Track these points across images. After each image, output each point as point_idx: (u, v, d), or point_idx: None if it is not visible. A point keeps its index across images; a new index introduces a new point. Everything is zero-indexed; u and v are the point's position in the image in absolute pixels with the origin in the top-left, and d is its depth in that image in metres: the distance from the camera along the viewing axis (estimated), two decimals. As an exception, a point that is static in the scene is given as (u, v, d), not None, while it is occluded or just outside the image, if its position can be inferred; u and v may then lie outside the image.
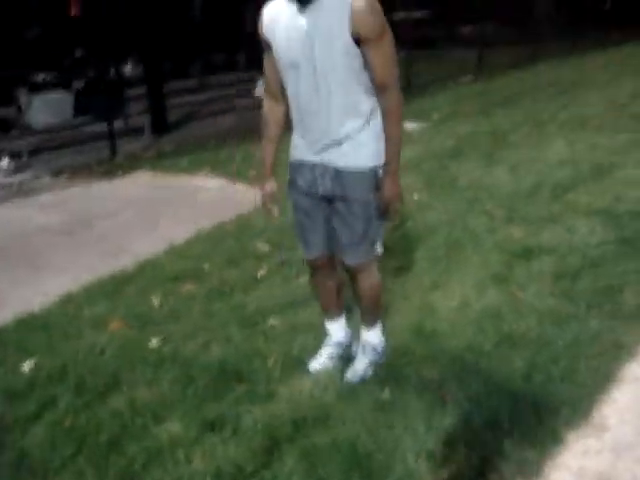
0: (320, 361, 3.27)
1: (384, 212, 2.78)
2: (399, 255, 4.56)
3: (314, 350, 3.34)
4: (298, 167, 2.86)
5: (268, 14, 2.66)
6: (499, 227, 5.13)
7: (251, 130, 9.40)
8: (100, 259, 4.85)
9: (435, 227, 5.15)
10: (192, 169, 7.40)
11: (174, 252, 4.86)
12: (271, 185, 3.04)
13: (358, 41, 2.47)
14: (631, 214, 5.28)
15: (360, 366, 3.19)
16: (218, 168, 7.36)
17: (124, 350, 3.49)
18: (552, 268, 4.29)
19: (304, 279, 4.23)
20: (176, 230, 5.36)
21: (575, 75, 14.97)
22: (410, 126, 9.24)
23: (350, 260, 2.89)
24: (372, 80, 2.59)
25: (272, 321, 3.74)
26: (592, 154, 7.36)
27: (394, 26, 2.64)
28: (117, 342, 3.57)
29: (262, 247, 4.88)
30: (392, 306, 3.75)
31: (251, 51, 16.10)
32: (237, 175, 7.01)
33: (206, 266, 4.56)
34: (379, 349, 3.25)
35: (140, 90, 10.29)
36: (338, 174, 2.72)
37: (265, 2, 2.70)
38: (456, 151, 7.72)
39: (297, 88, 2.65)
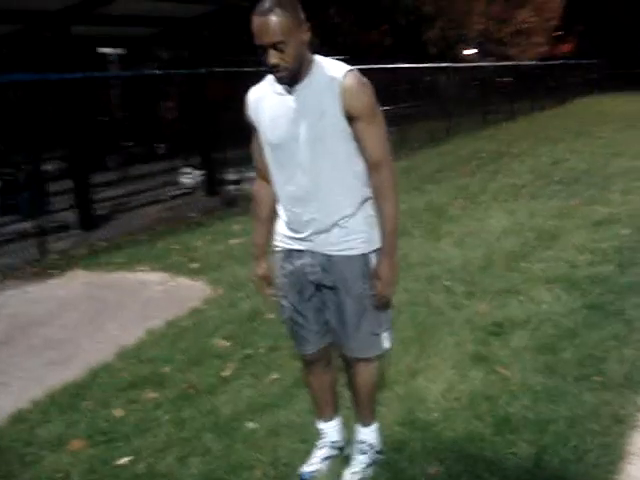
0: (314, 466, 2.99)
1: (380, 300, 2.60)
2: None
3: (304, 454, 3.06)
4: (285, 257, 2.69)
5: (253, 96, 2.59)
6: (463, 302, 5.02)
7: (181, 220, 9.22)
8: (47, 369, 4.44)
9: (398, 307, 4.97)
10: (129, 265, 7.06)
11: (127, 356, 4.50)
12: (265, 267, 2.84)
13: (350, 120, 2.40)
14: (589, 279, 5.28)
15: (358, 468, 2.93)
16: (156, 262, 7.05)
17: (92, 473, 3.11)
18: (530, 342, 4.18)
19: (275, 376, 3.98)
20: (124, 331, 5.02)
21: (493, 146, 15.47)
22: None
23: (351, 353, 2.73)
24: (365, 159, 2.50)
25: (251, 425, 3.44)
26: (532, 221, 7.46)
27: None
28: (82, 464, 3.18)
29: (222, 343, 4.59)
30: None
31: (171, 141, 16.03)
32: (177, 268, 6.72)
33: (166, 369, 4.22)
34: (377, 448, 3.01)
35: (61, 185, 9.93)
36: (328, 261, 2.58)
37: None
38: (400, 228, 7.64)
39: (282, 171, 2.55)
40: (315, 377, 2.94)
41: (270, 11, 2.25)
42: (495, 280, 5.48)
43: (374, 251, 2.58)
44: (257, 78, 2.62)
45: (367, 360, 2.75)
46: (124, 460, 3.18)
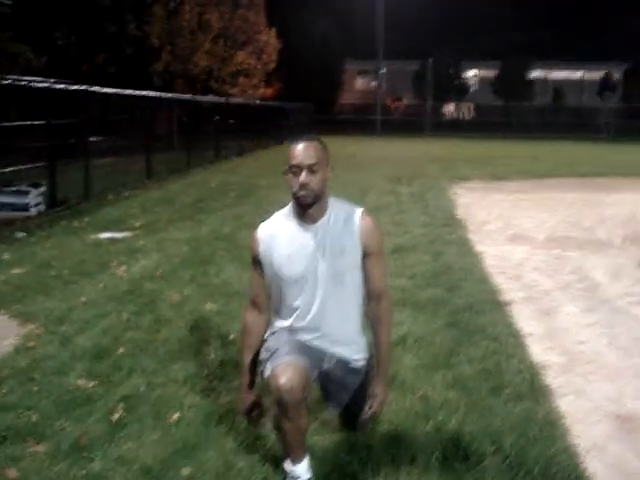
0: None
1: (373, 415, 2.90)
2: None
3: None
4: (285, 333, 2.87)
5: (265, 232, 2.85)
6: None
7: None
8: None
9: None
10: None
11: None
12: (255, 394, 2.98)
13: (364, 255, 2.77)
14: (431, 302, 5.50)
15: None
16: None
17: None
18: (420, 361, 4.22)
19: (175, 415, 3.53)
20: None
21: (239, 178, 15.69)
22: (114, 235, 8.64)
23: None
24: (369, 290, 2.83)
25: (186, 471, 3.00)
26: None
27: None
28: None
29: (85, 384, 3.96)
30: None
31: None
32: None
33: (35, 418, 3.51)
34: None
35: None
36: (336, 363, 2.89)
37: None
38: (203, 256, 7.36)
39: (300, 300, 2.77)
40: (293, 422, 2.67)
41: (313, 140, 2.73)
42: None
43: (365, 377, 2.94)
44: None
45: None
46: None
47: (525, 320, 5.27)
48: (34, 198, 10.32)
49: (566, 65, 74.97)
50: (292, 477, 2.82)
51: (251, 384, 2.95)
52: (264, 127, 28.46)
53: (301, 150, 2.69)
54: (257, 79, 33.19)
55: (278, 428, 2.79)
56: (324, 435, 3.24)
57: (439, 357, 4.31)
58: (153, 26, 26.07)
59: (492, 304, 5.57)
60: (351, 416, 3.01)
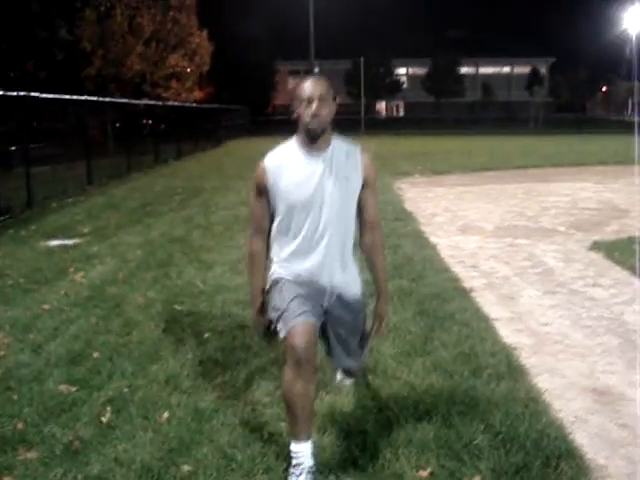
0: None
1: (380, 330, 3.13)
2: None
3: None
4: (291, 277, 3.00)
5: (273, 162, 2.96)
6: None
7: None
8: None
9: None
10: None
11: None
12: (265, 316, 3.06)
13: (362, 186, 2.99)
14: (396, 293, 5.60)
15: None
16: None
17: None
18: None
19: (165, 414, 3.52)
20: None
21: (182, 182, 15.53)
22: (64, 242, 8.49)
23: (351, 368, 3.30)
24: (364, 219, 3.05)
25: (187, 468, 3.00)
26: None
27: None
28: None
29: (68, 389, 3.89)
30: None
31: None
32: None
33: (21, 425, 3.44)
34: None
35: None
36: (338, 299, 3.02)
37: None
38: (160, 259, 7.29)
39: (303, 224, 2.92)
40: (301, 388, 2.80)
41: (321, 77, 2.94)
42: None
43: (362, 298, 3.14)
44: None
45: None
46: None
47: (490, 305, 5.41)
48: (-24, 208, 10.03)
49: (494, 61, 76.83)
50: (296, 462, 2.84)
51: (262, 306, 3.08)
52: (201, 130, 28.25)
53: (311, 83, 2.88)
54: (191, 82, 32.89)
55: (287, 401, 2.85)
56: (323, 425, 3.29)
57: (415, 344, 4.40)
58: (84, 30, 25.55)
59: (456, 292, 5.70)
60: (348, 359, 3.19)
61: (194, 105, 30.33)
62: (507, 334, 4.73)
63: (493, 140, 35.15)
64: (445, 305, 5.26)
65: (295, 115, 2.90)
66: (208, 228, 9.31)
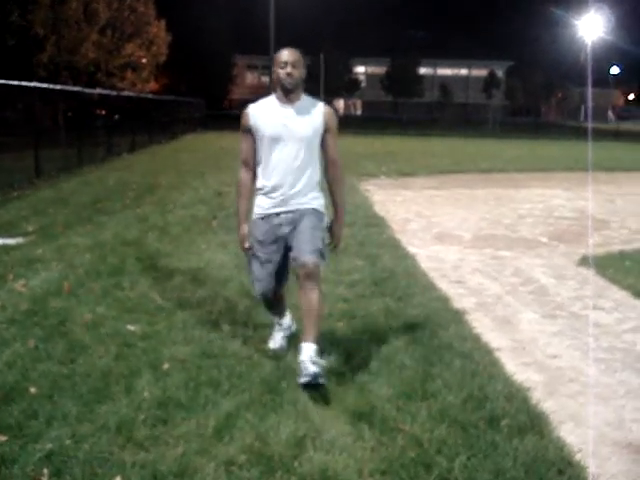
0: (277, 342, 4.32)
1: (336, 245, 4.11)
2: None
3: None
4: (264, 219, 3.94)
5: (253, 109, 3.93)
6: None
7: None
8: None
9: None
10: None
11: None
12: (245, 228, 4.00)
13: (324, 130, 3.90)
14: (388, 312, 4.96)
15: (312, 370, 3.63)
16: None
17: None
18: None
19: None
20: None
21: (137, 177, 14.65)
22: (6, 242, 7.66)
23: (305, 258, 3.76)
24: (326, 158, 4.00)
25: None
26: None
27: None
28: None
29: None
30: None
31: None
32: None
33: None
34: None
35: None
36: (298, 213, 3.89)
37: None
38: (112, 266, 6.51)
39: (279, 156, 3.85)
40: (273, 299, 4.22)
41: (296, 49, 3.88)
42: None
43: (322, 212, 3.97)
44: None
45: (315, 283, 3.77)
46: None
47: (489, 332, 4.83)
48: None
49: (452, 63, 76.98)
50: (278, 323, 4.36)
51: (244, 221, 4.00)
52: (156, 122, 27.25)
53: (288, 52, 3.83)
54: (147, 72, 31.81)
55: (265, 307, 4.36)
56: None
57: (414, 383, 3.75)
58: (37, 15, 24.27)
59: (449, 314, 5.09)
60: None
61: (149, 96, 29.27)
62: (514, 369, 4.13)
63: (453, 141, 34.94)
64: (440, 331, 4.63)
65: (274, 76, 3.82)
66: (165, 229, 8.54)
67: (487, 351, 4.36)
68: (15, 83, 13.56)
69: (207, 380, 3.80)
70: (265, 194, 3.90)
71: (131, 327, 4.72)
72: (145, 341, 4.46)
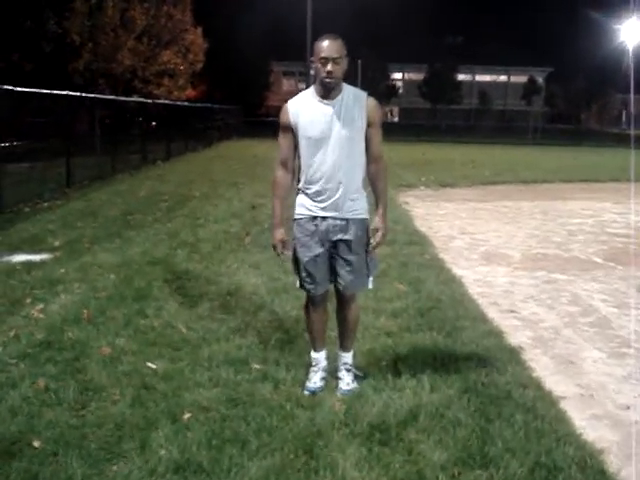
0: (316, 384, 3.89)
1: (379, 245, 3.85)
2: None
3: None
4: (308, 221, 3.76)
5: (293, 105, 3.73)
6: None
7: None
8: None
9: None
10: None
11: None
12: (283, 232, 3.85)
13: (367, 125, 3.69)
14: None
15: (349, 380, 3.90)
16: None
17: None
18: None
19: None
20: None
21: (169, 187, 14.33)
22: (30, 258, 7.33)
23: (347, 289, 3.81)
24: (370, 153, 3.77)
25: None
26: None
27: None
28: None
29: None
30: None
31: None
32: None
33: None
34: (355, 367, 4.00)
35: None
36: (345, 222, 3.73)
37: None
38: (137, 289, 6.10)
39: (322, 157, 3.67)
40: (317, 314, 3.94)
41: (337, 38, 3.61)
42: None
43: (367, 219, 3.83)
44: None
45: (355, 298, 3.89)
46: None
47: (550, 375, 4.29)
48: None
49: (491, 69, 75.98)
50: (314, 363, 3.95)
51: (280, 224, 3.83)
52: (193, 129, 27.02)
53: (328, 46, 3.53)
54: (183, 80, 31.58)
55: (307, 322, 4.03)
56: None
57: (471, 446, 3.24)
58: (73, 22, 24.14)
59: (503, 352, 4.56)
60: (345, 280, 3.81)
61: (186, 104, 29.06)
62: (583, 423, 3.60)
63: (493, 149, 34.17)
64: (496, 376, 4.10)
65: (313, 70, 3.60)
66: (195, 246, 8.13)
67: (551, 401, 3.82)
68: (46, 92, 13.34)
69: (232, 436, 3.34)
70: (309, 195, 3.73)
71: (151, 365, 4.28)
72: (166, 382, 4.02)
